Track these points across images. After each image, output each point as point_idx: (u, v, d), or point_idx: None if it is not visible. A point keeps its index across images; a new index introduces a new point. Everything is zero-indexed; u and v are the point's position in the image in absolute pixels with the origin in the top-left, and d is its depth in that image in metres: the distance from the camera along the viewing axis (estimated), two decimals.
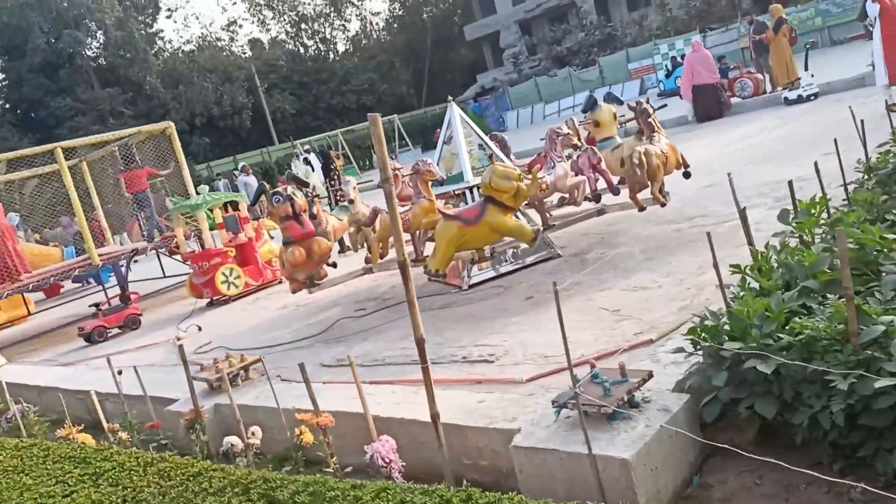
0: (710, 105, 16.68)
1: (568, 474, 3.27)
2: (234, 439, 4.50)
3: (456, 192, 7.39)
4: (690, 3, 37.84)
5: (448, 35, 56.88)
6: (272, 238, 13.71)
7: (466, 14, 56.83)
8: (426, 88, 55.47)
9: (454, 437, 3.87)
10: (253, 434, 4.57)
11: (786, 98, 15.52)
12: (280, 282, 10.77)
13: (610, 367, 3.69)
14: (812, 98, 15.10)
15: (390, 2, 60.29)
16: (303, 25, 58.01)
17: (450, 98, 7.99)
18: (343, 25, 60.56)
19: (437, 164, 7.60)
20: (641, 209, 6.90)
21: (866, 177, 5.05)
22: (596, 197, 7.40)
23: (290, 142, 43.38)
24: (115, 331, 9.93)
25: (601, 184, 7.60)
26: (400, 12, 59.12)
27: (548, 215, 7.49)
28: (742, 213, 3.87)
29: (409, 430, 4.09)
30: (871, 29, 10.07)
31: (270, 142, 45.14)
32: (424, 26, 56.78)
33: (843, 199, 5.20)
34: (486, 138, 7.72)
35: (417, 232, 7.01)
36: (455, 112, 7.62)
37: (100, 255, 11.22)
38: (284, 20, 58.34)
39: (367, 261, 7.29)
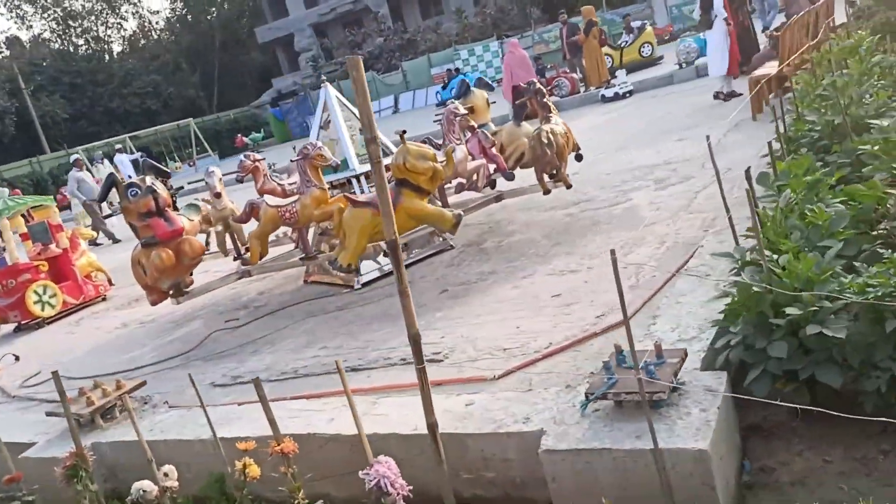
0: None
1: (620, 477, 2.80)
2: (146, 484, 3.52)
3: (336, 183, 6.67)
4: (486, 10, 39.19)
5: (237, 37, 54.35)
6: (93, 246, 12.01)
7: (256, 16, 54.73)
8: (217, 92, 52.59)
9: (448, 448, 3.25)
10: (167, 475, 3.62)
11: (603, 96, 16.27)
12: (104, 298, 9.29)
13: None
14: (627, 95, 15.96)
15: (172, 0, 56.29)
16: (71, 22, 52.56)
17: (323, 78, 7.23)
18: (119, 23, 55.56)
19: None
20: (547, 192, 6.62)
21: (786, 147, 5.07)
22: (491, 183, 7.02)
23: (64, 150, 39.07)
24: None
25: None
26: (183, 11, 55.51)
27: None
28: (748, 177, 3.62)
29: (388, 446, 3.39)
30: (712, 21, 10.64)
31: (40, 150, 40.34)
32: (210, 26, 53.79)
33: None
34: None
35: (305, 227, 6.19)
36: (331, 94, 6.88)
37: None
38: (48, 16, 52.53)
39: (244, 262, 6.33)
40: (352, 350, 4.98)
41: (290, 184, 7.61)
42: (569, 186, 6.68)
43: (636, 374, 2.72)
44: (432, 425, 3.06)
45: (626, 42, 19.80)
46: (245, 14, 55.66)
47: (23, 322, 8.65)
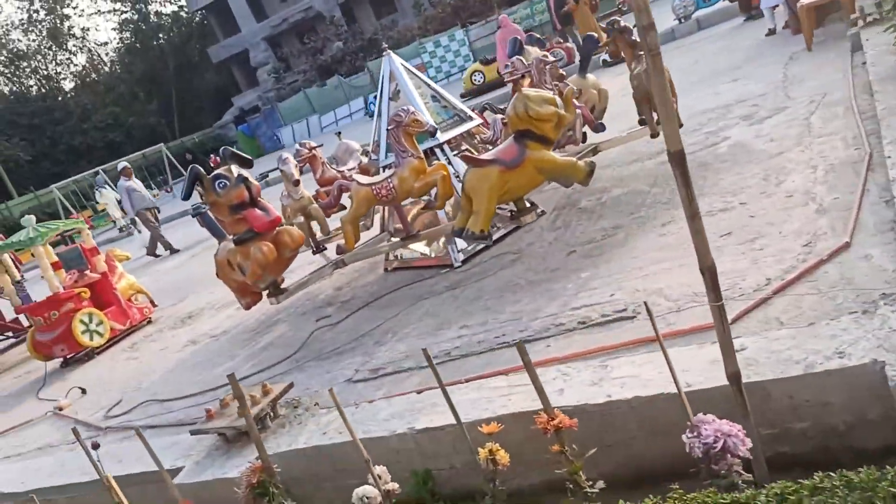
0: None
1: None
2: (368, 490, 2.98)
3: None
4: (445, 0, 38.70)
5: (189, 60, 53.16)
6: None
7: (206, 37, 53.56)
8: (177, 117, 51.39)
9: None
10: (380, 477, 3.06)
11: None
12: (149, 321, 8.62)
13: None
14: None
15: (119, 31, 54.66)
16: (19, 63, 50.91)
17: (385, 46, 6.67)
18: (69, 59, 53.89)
19: (385, 128, 6.26)
20: (655, 134, 6.13)
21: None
22: (595, 128, 6.54)
23: (31, 192, 37.77)
24: None
25: None
26: (131, 40, 54.10)
27: None
28: None
29: (655, 409, 2.87)
30: None
31: (7, 196, 38.97)
32: (162, 52, 52.52)
33: None
34: (438, 87, 6.54)
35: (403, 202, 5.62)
36: (396, 62, 6.32)
37: None
38: None
39: (339, 250, 5.74)
40: (502, 324, 4.45)
41: (349, 169, 7.07)
42: (680, 125, 6.19)
43: None
44: (735, 374, 2.56)
45: None
46: (194, 35, 54.46)
47: (69, 356, 7.95)
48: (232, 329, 6.84)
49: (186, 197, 5.07)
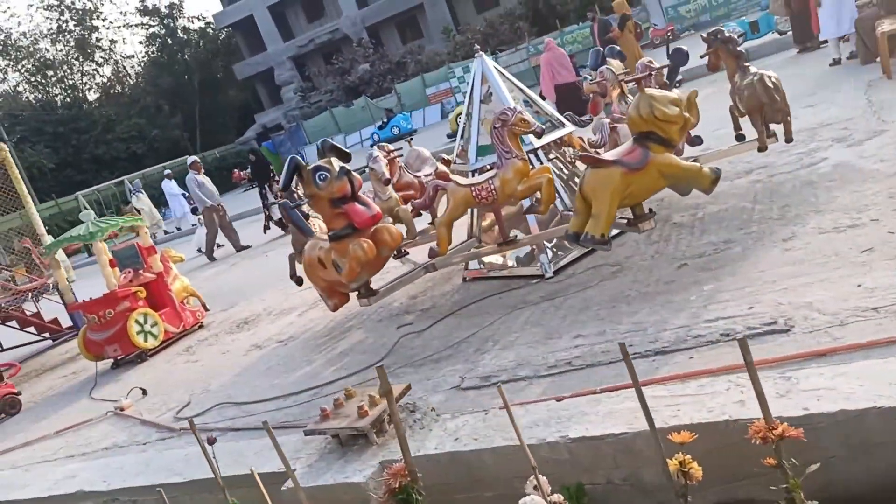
0: (575, 102, 16.47)
1: None
2: (536, 500, 2.69)
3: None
4: (475, 27, 38.91)
5: (214, 76, 53.52)
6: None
7: (232, 54, 54.00)
8: (200, 132, 51.58)
9: None
10: (536, 489, 2.78)
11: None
12: (201, 326, 8.36)
13: None
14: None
15: (146, 44, 55.11)
16: (46, 72, 51.27)
17: (477, 48, 6.49)
18: (95, 70, 54.23)
19: (476, 131, 6.05)
20: (763, 149, 5.88)
21: None
22: (691, 141, 6.31)
23: (53, 200, 37.74)
24: None
25: None
26: (158, 54, 54.51)
27: None
28: None
29: (863, 426, 2.59)
30: None
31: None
32: (188, 67, 52.89)
33: None
34: (530, 91, 6.35)
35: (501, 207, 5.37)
36: (489, 64, 6.13)
37: None
38: (22, 67, 51.20)
39: (431, 254, 5.49)
40: (624, 335, 4.17)
41: (426, 176, 6.86)
42: (790, 140, 5.95)
43: None
44: None
45: None
46: (220, 52, 54.91)
47: (121, 356, 7.69)
48: (300, 335, 6.57)
49: (284, 188, 4.83)
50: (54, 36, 51.96)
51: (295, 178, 4.79)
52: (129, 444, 5.26)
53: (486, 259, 6.31)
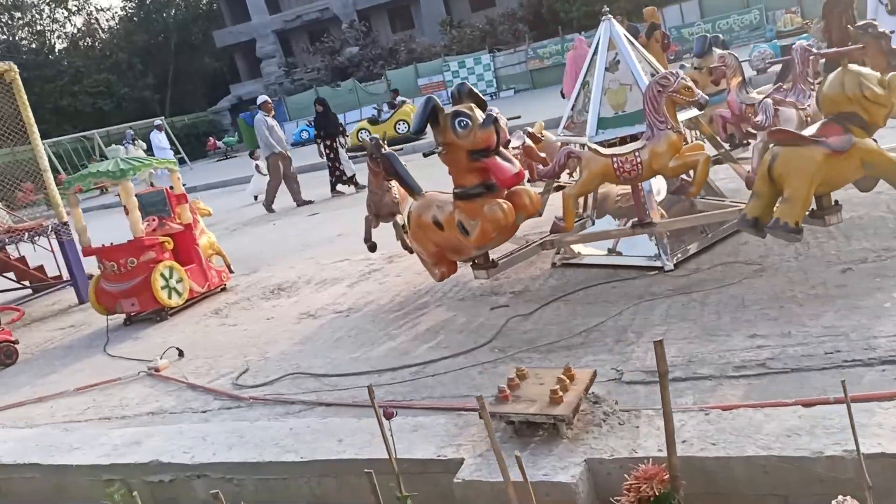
0: None
1: None
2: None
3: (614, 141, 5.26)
4: (475, 24, 38.37)
5: (192, 40, 51.63)
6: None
7: (214, 19, 52.26)
8: (170, 95, 49.73)
9: None
10: None
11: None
12: (224, 288, 7.50)
13: None
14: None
15: None
16: (15, 14, 48.81)
17: (606, 9, 5.84)
18: (67, 19, 51.85)
19: (600, 101, 5.41)
20: None
21: None
22: None
23: (9, 148, 35.77)
24: None
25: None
26: (136, 10, 52.39)
27: None
28: None
29: None
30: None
31: None
32: (166, 27, 50.95)
33: None
34: (658, 65, 5.76)
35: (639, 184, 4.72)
36: (617, 30, 5.51)
37: None
38: None
39: (554, 229, 4.82)
40: (819, 339, 3.58)
41: (514, 148, 6.18)
42: None
43: None
44: None
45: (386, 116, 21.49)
46: (201, 16, 53.07)
47: (134, 314, 6.80)
48: (361, 307, 5.81)
49: (417, 131, 4.11)
50: None
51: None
52: (182, 411, 4.45)
53: (574, 246, 5.69)
